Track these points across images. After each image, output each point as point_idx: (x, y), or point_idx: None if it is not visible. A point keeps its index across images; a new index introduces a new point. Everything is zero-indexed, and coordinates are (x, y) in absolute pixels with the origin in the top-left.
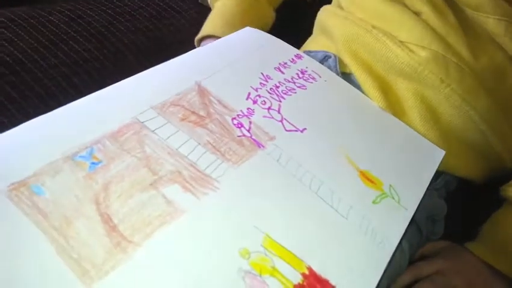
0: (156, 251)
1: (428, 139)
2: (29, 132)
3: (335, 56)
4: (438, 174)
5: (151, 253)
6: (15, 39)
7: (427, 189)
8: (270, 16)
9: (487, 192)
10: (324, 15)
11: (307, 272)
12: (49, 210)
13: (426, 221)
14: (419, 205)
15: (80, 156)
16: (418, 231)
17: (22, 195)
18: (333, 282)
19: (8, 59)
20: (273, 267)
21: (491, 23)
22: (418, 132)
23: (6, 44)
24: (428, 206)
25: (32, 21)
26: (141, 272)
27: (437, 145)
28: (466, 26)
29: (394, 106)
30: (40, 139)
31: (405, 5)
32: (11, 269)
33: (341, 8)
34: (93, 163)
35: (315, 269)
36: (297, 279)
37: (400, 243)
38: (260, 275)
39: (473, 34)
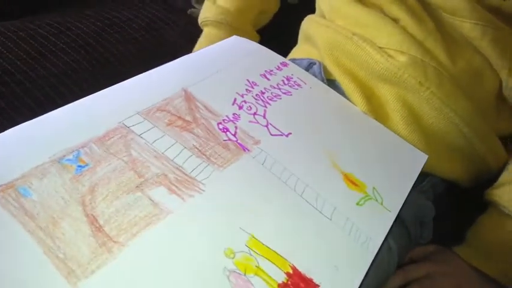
0: (141, 251)
1: (412, 141)
2: (16, 136)
3: (319, 63)
4: (424, 176)
5: (136, 253)
6: (4, 51)
7: (414, 191)
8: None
9: (475, 195)
10: (307, 24)
11: (291, 271)
12: (36, 212)
13: (414, 223)
14: (406, 207)
15: (67, 160)
16: (406, 233)
17: (9, 197)
18: (316, 281)
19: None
20: (258, 267)
21: (467, 27)
22: (401, 135)
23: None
24: (416, 208)
25: (21, 33)
26: (126, 271)
27: (420, 147)
28: (444, 30)
29: (377, 110)
30: (27, 143)
31: (383, 12)
32: None
33: (323, 16)
34: (79, 166)
35: (299, 268)
36: (281, 278)
37: (387, 243)
38: (245, 274)
39: (451, 38)
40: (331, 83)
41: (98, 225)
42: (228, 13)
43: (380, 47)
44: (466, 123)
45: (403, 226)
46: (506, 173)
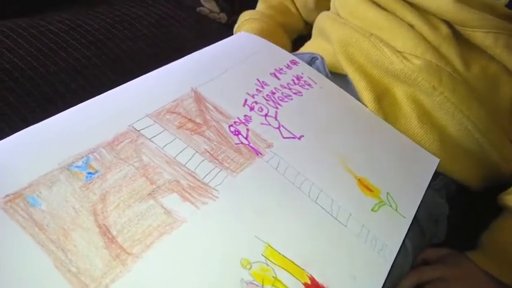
0: (156, 263)
1: (427, 141)
2: (23, 142)
3: (322, 58)
4: (436, 174)
5: (151, 265)
6: (16, 48)
7: (429, 189)
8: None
9: (487, 197)
10: (323, 19)
11: (309, 282)
12: (46, 223)
13: (429, 221)
14: (421, 205)
15: (76, 166)
16: (421, 232)
17: (18, 207)
18: None
19: (7, 66)
20: (275, 277)
21: (479, 36)
22: (415, 133)
23: (6, 52)
24: (431, 206)
25: (32, 30)
26: (141, 284)
27: (435, 147)
28: (459, 37)
29: (388, 108)
30: (34, 148)
31: (398, 17)
32: (9, 284)
33: (339, 15)
34: (89, 173)
35: (317, 278)
36: None
37: (403, 244)
38: (262, 286)
39: (466, 45)
40: (342, 78)
41: (110, 236)
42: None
43: (396, 50)
44: (479, 129)
45: (418, 225)
46: None
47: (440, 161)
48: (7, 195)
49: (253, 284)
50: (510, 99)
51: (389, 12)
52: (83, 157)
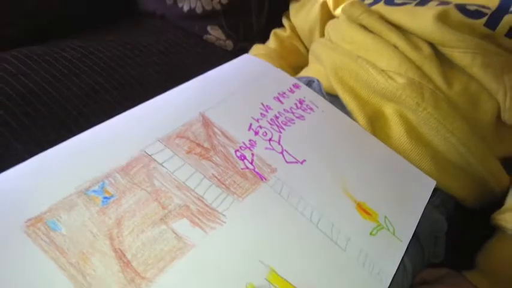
0: (168, 287)
1: (416, 156)
2: (41, 166)
3: (318, 81)
4: (434, 190)
5: None
6: (31, 73)
7: (428, 205)
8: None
9: (486, 216)
10: (317, 46)
11: None
12: (66, 247)
13: (428, 238)
14: (420, 224)
15: (93, 191)
16: (421, 250)
17: (39, 231)
18: None
19: (24, 91)
20: None
21: (457, 55)
22: (405, 148)
23: (22, 78)
24: (431, 223)
25: (46, 57)
26: None
27: (426, 162)
28: (441, 56)
29: (378, 125)
30: (53, 173)
31: (384, 39)
32: None
33: (331, 41)
34: (105, 197)
35: None
36: None
37: (403, 262)
38: None
39: (448, 64)
40: (335, 98)
41: (126, 261)
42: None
43: (381, 69)
44: (463, 143)
45: (418, 243)
46: (510, 197)
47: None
48: (29, 220)
49: None
50: (491, 116)
51: (375, 35)
52: (99, 182)
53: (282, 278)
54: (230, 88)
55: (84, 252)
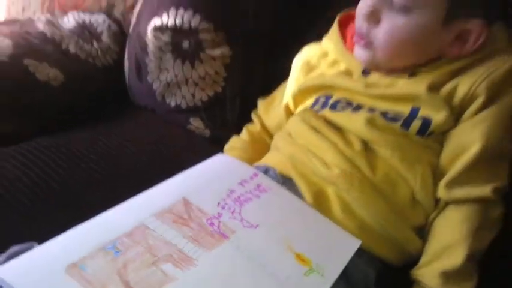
0: None
1: (348, 226)
2: (76, 233)
3: (273, 169)
4: (363, 251)
5: None
6: (40, 163)
7: (359, 259)
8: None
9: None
10: (278, 139)
11: None
12: (93, 282)
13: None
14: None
15: (108, 248)
16: None
17: (75, 272)
18: None
19: (37, 179)
20: None
21: (381, 150)
22: (339, 220)
23: (34, 168)
24: (362, 274)
25: (52, 149)
26: None
27: (355, 231)
28: (369, 150)
29: (322, 203)
30: (83, 238)
31: (327, 138)
32: None
33: (290, 135)
34: (116, 251)
35: None
36: None
37: None
38: None
39: (374, 156)
40: (289, 180)
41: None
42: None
43: (324, 162)
44: (383, 218)
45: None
46: (424, 256)
47: (362, 241)
48: (68, 265)
49: None
50: (407, 197)
51: (321, 134)
52: (112, 242)
53: None
54: (207, 179)
55: (103, 283)
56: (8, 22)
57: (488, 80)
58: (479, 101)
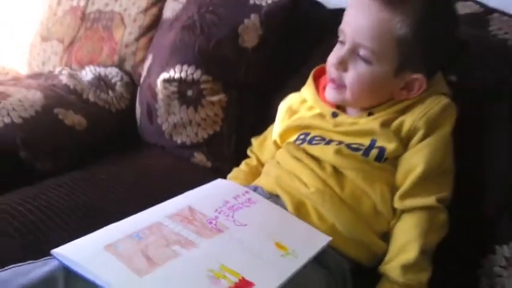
0: (164, 274)
1: (323, 230)
2: (113, 228)
3: (261, 187)
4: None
5: (162, 275)
6: (46, 202)
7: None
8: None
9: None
10: (269, 166)
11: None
12: (123, 254)
13: (338, 271)
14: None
15: (134, 236)
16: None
17: (111, 249)
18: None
19: (43, 217)
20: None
21: (348, 173)
22: (317, 226)
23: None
24: (336, 264)
25: (63, 187)
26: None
27: (328, 232)
28: (338, 172)
29: (303, 213)
30: (117, 230)
31: (306, 164)
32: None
33: (278, 162)
34: (139, 238)
35: (246, 277)
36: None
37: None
38: None
39: (343, 177)
40: (274, 197)
41: (150, 260)
42: None
43: (304, 182)
44: (351, 226)
45: (330, 274)
46: (387, 255)
47: (332, 239)
48: (106, 245)
49: None
50: (371, 209)
51: (301, 162)
52: (136, 233)
53: (231, 268)
54: (206, 194)
55: (130, 256)
56: (33, 76)
57: (426, 117)
58: (420, 133)
